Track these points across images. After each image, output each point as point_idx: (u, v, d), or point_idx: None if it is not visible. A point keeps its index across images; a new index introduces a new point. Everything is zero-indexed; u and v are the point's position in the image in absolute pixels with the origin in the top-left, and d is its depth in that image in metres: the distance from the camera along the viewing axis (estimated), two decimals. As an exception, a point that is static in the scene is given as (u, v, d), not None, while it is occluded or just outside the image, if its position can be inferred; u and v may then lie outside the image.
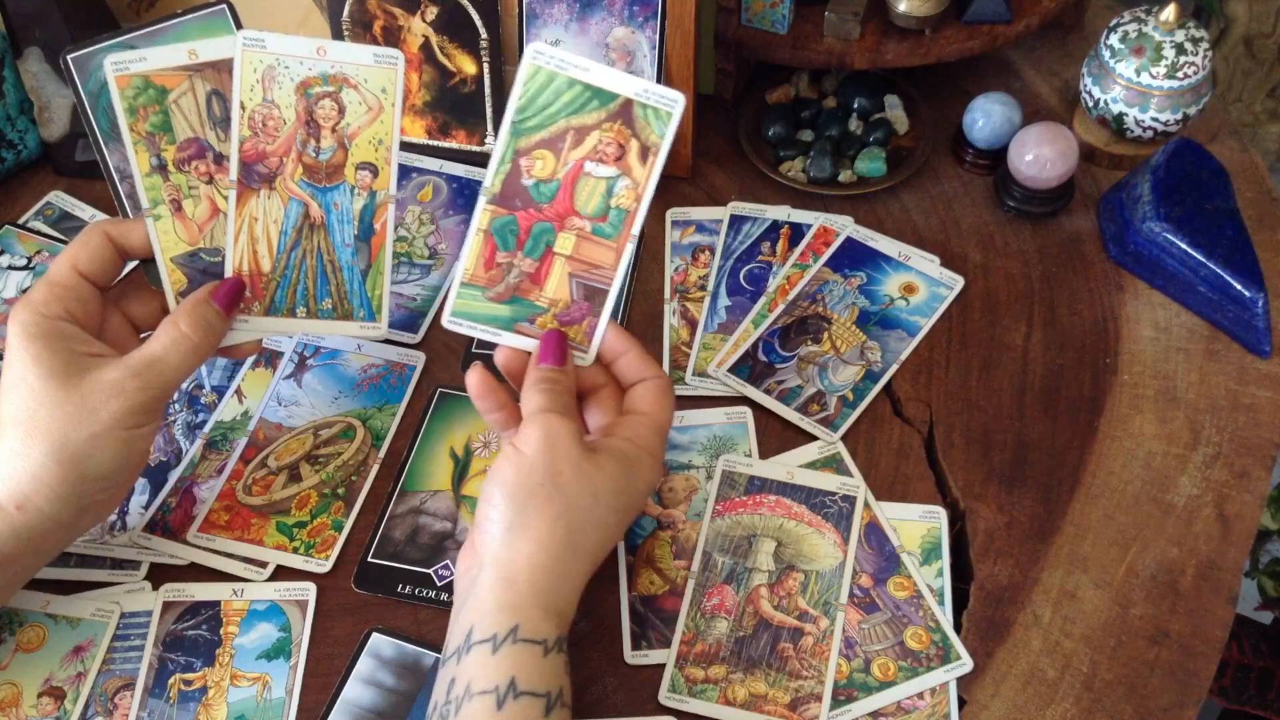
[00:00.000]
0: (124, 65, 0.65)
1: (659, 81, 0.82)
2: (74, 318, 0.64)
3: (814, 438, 0.75)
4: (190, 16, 0.68)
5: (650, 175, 0.65)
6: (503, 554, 0.59)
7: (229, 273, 0.68)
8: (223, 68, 0.66)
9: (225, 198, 0.68)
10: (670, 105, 0.64)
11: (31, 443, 0.60)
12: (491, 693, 0.55)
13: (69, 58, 0.69)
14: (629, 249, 0.66)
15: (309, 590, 0.69)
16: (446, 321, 0.67)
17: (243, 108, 0.66)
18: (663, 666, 0.66)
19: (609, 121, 0.64)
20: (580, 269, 0.66)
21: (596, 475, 0.61)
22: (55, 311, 0.63)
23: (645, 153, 0.65)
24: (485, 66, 0.85)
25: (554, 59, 0.64)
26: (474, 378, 0.65)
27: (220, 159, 0.68)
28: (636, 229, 0.65)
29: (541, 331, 0.66)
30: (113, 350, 0.64)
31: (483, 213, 0.66)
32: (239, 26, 0.69)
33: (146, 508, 0.72)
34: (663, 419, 0.65)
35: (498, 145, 0.65)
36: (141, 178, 0.67)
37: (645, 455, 0.63)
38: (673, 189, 0.88)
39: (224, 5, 0.69)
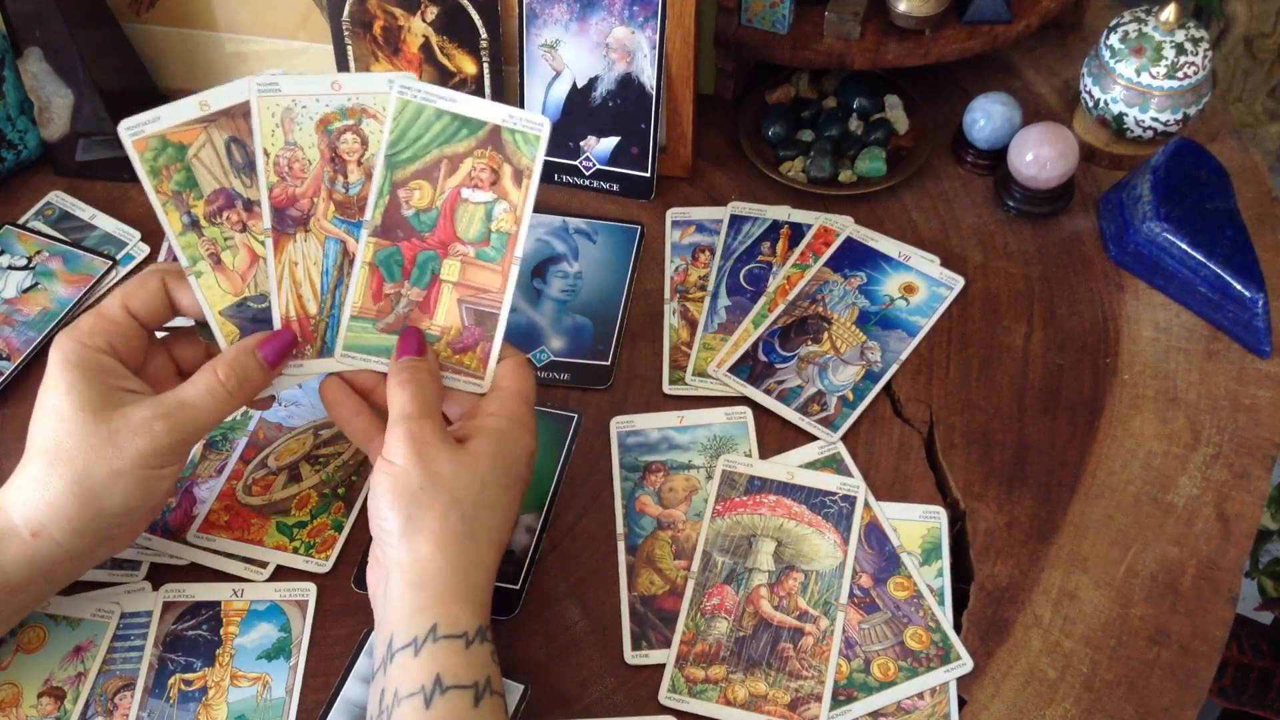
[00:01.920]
0: (139, 128, 0.64)
1: (659, 81, 0.82)
2: (116, 352, 0.63)
3: (814, 438, 0.75)
4: None
5: (526, 197, 0.66)
6: (405, 558, 0.59)
7: (276, 321, 0.67)
8: (236, 113, 0.65)
9: (261, 242, 0.67)
10: (537, 129, 0.65)
11: (54, 472, 0.60)
12: (419, 693, 0.56)
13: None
14: (514, 271, 0.66)
15: (309, 590, 0.69)
16: (338, 356, 0.67)
17: (266, 154, 0.66)
18: (663, 666, 0.66)
19: (480, 148, 0.65)
20: (468, 294, 0.67)
21: (475, 462, 0.61)
22: (98, 344, 0.62)
23: (519, 176, 0.66)
24: (485, 66, 0.85)
25: (420, 92, 0.65)
26: (326, 388, 0.67)
27: (250, 205, 0.66)
28: (519, 251, 0.66)
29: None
30: (150, 389, 0.64)
31: (366, 245, 0.67)
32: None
33: (146, 508, 0.72)
34: (524, 388, 0.66)
35: (374, 179, 0.66)
36: (176, 238, 0.65)
37: (516, 425, 0.64)
38: (673, 189, 0.88)
39: None
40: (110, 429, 0.61)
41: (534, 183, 0.66)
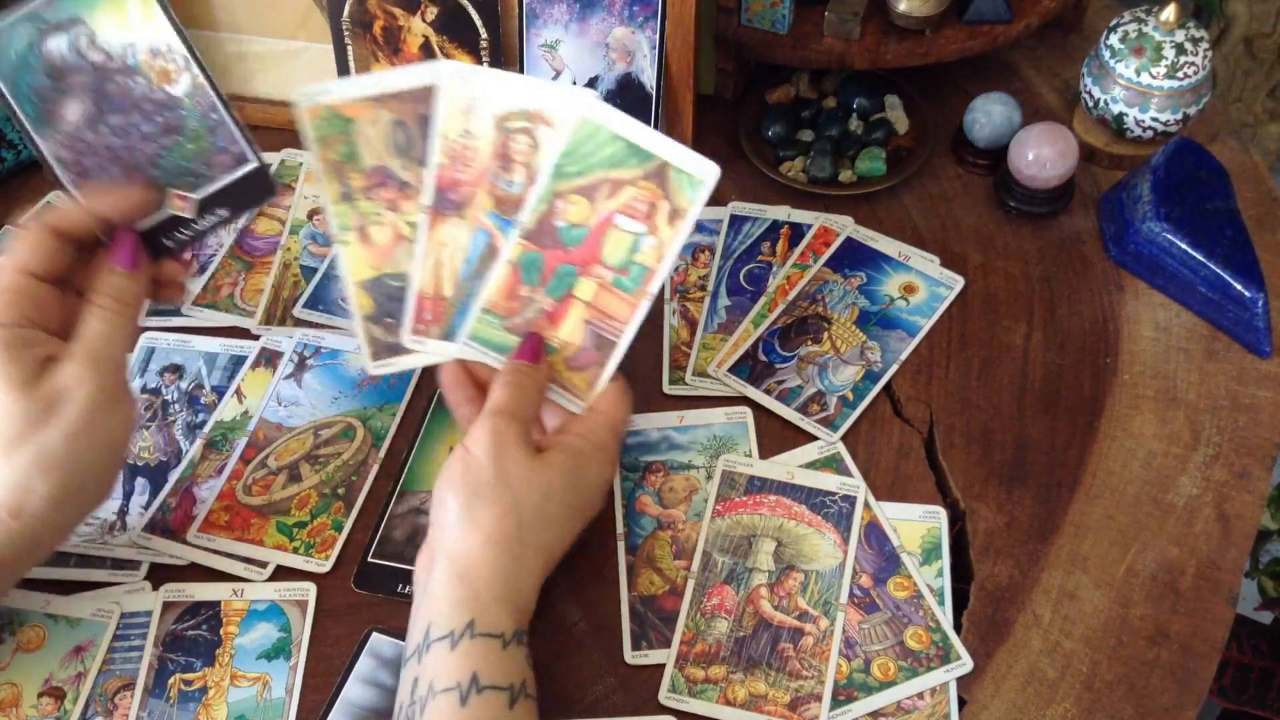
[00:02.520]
0: (312, 97, 0.65)
1: (659, 81, 0.82)
2: (33, 321, 0.62)
3: (814, 438, 0.75)
4: None
5: (676, 237, 0.66)
6: (455, 547, 0.60)
7: (411, 298, 0.68)
8: (407, 97, 0.66)
9: (410, 225, 0.68)
10: (704, 174, 0.65)
11: (13, 454, 0.60)
12: (454, 689, 0.56)
13: None
14: (644, 305, 0.67)
15: (309, 590, 0.69)
16: (461, 343, 0.68)
17: (444, 137, 0.66)
18: (663, 666, 0.66)
19: (644, 180, 0.65)
20: (596, 317, 0.67)
21: (546, 473, 0.62)
22: (12, 319, 0.62)
23: (674, 215, 0.66)
24: (485, 66, 0.85)
25: (604, 114, 0.65)
26: (446, 370, 0.68)
27: (404, 186, 0.67)
28: (655, 287, 0.66)
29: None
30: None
31: (514, 245, 0.67)
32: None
33: (146, 508, 0.72)
34: (618, 417, 0.67)
35: (538, 184, 0.66)
36: (331, 205, 0.67)
37: (598, 451, 0.65)
38: (673, 189, 0.88)
39: None
40: (47, 398, 0.60)
41: (687, 225, 0.65)
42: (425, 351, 0.69)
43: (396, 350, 0.70)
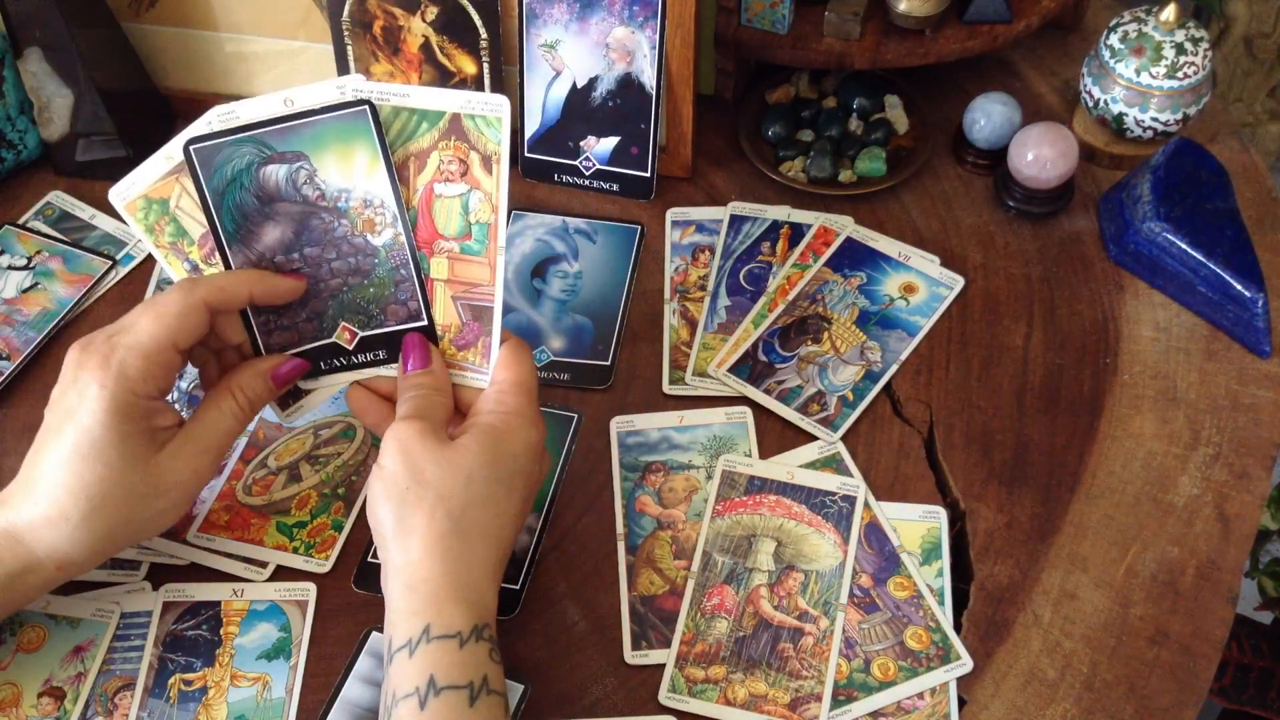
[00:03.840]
0: (124, 193, 0.65)
1: (659, 81, 0.82)
2: (164, 393, 0.63)
3: (814, 438, 0.75)
4: (328, 116, 0.64)
5: (500, 183, 0.65)
6: (398, 559, 0.59)
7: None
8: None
9: None
10: (497, 110, 0.64)
11: (95, 518, 0.60)
12: (413, 695, 0.56)
13: (191, 148, 0.63)
14: (500, 260, 0.66)
15: (309, 590, 0.69)
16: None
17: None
18: (663, 666, 0.66)
19: (444, 140, 0.65)
20: (461, 290, 0.66)
21: (461, 458, 0.60)
22: (149, 391, 0.61)
23: (488, 162, 0.65)
24: (485, 66, 0.85)
25: (373, 92, 0.64)
26: (352, 397, 0.68)
27: None
28: (502, 240, 0.65)
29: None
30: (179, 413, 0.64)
31: None
32: (380, 131, 0.64)
33: (146, 508, 0.72)
34: (521, 377, 0.65)
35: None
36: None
37: (512, 418, 0.63)
38: (673, 189, 0.88)
39: (365, 106, 0.64)
40: (157, 476, 0.61)
41: (504, 166, 0.64)
42: (323, 386, 0.68)
43: (298, 394, 0.69)
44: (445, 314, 0.67)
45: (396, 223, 0.65)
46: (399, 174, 0.65)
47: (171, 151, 0.65)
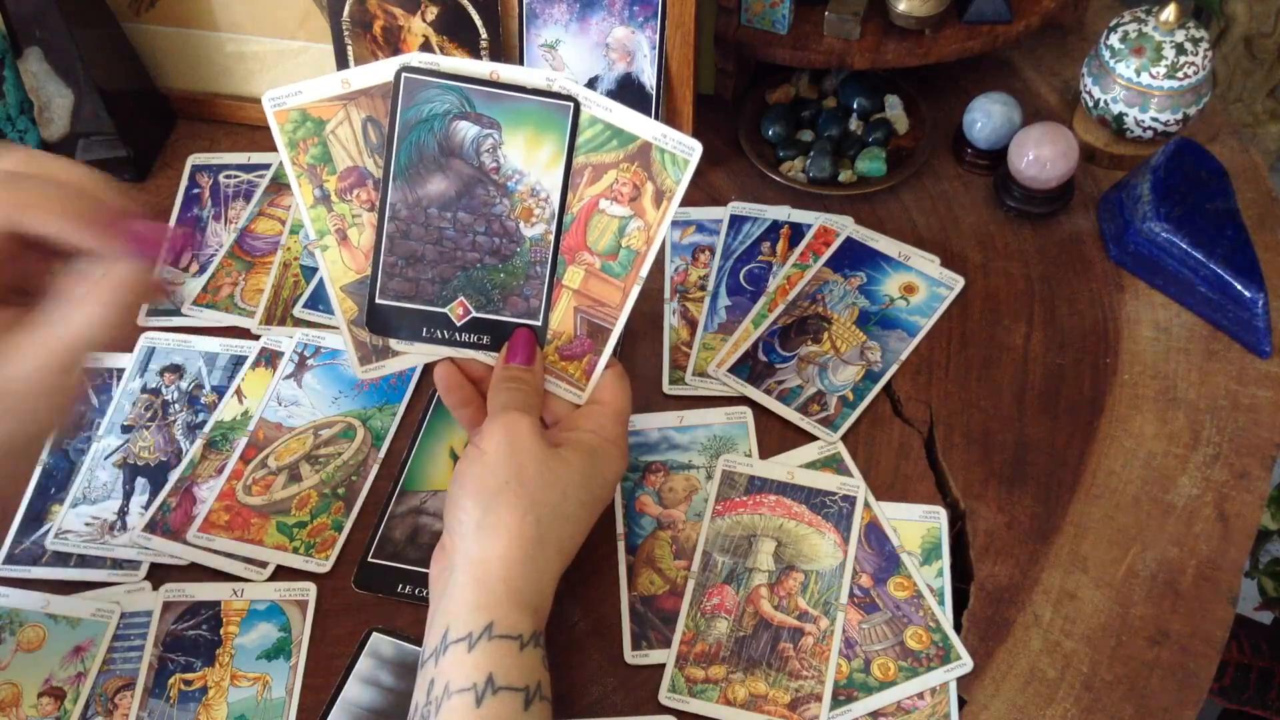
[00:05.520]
0: (281, 100, 0.64)
1: (659, 81, 0.82)
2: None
3: (814, 438, 0.75)
4: (535, 100, 0.64)
5: (663, 219, 0.65)
6: (475, 553, 0.59)
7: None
8: (375, 93, 0.65)
9: None
10: (688, 153, 0.64)
11: None
12: (470, 690, 0.55)
13: (404, 75, 0.63)
14: (635, 290, 0.66)
15: (309, 590, 0.69)
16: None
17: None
18: (663, 666, 0.66)
19: (626, 162, 0.65)
20: (586, 304, 0.67)
21: (562, 470, 0.61)
22: None
23: (659, 197, 0.65)
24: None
25: (580, 95, 0.64)
26: (441, 372, 0.66)
27: (380, 185, 0.67)
28: (644, 271, 0.66)
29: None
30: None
31: None
32: (574, 132, 0.65)
33: (146, 508, 0.72)
34: (622, 406, 0.66)
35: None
36: (307, 210, 0.66)
37: (609, 445, 0.64)
38: (673, 189, 0.88)
39: (571, 104, 0.64)
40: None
41: (674, 206, 0.65)
42: (414, 352, 0.69)
43: (384, 353, 0.69)
44: (562, 321, 0.67)
45: (552, 221, 0.66)
46: (572, 178, 0.65)
47: (350, 78, 0.64)
